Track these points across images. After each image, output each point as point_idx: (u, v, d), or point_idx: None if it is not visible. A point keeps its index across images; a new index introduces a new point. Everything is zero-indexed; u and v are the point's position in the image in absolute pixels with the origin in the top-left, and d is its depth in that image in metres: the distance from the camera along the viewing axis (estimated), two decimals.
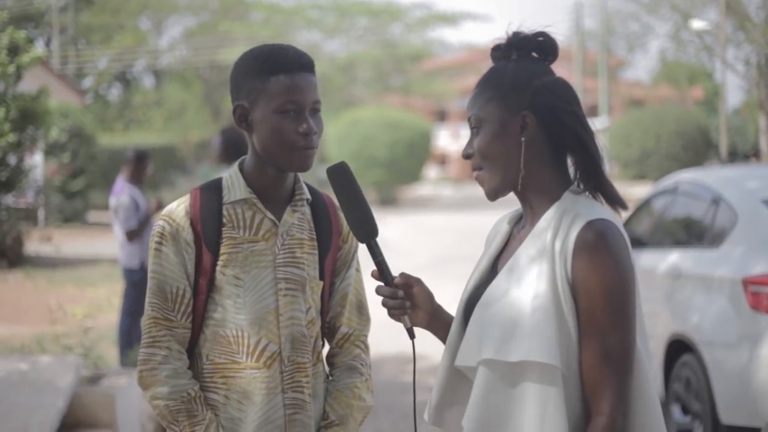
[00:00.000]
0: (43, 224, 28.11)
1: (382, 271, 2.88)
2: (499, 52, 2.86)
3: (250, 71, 3.03)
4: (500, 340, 2.63)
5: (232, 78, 3.08)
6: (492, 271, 2.88)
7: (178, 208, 3.07)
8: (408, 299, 2.89)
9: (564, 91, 2.76)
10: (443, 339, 2.93)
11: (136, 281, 10.34)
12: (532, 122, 2.74)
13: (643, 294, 8.05)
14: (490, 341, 2.65)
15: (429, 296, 2.92)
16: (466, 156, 2.83)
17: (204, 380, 3.06)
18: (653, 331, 7.94)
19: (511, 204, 2.91)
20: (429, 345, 2.96)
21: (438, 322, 2.95)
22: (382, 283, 2.89)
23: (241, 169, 3.12)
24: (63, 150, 28.98)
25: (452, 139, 69.04)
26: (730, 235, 7.33)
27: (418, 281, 2.90)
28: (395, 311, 2.87)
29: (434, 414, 2.92)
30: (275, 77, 2.98)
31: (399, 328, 2.94)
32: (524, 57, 2.82)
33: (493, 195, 2.82)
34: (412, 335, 2.90)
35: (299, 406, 3.07)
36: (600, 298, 2.60)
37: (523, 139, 2.74)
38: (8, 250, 20.19)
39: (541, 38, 2.82)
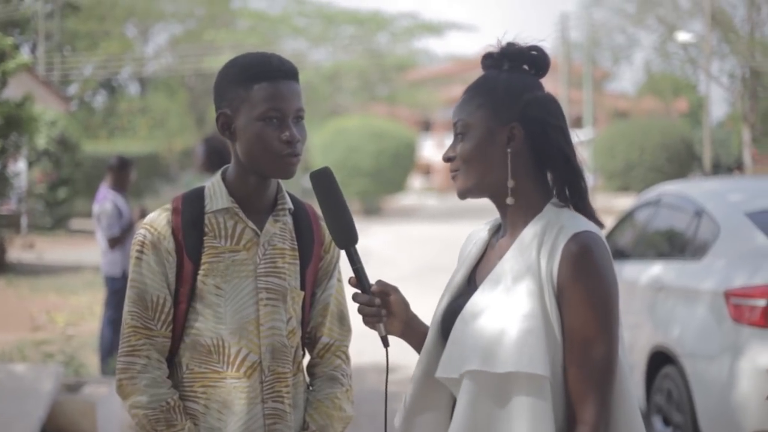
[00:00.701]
0: (26, 231, 28.02)
1: (359, 279, 2.88)
2: (490, 60, 2.87)
3: (233, 79, 3.02)
4: (486, 352, 2.64)
5: (216, 86, 3.08)
6: (469, 282, 2.88)
7: (159, 216, 3.05)
8: (384, 307, 2.89)
9: (553, 107, 2.78)
10: (417, 348, 2.95)
11: (117, 289, 10.31)
12: (519, 134, 2.76)
13: (626, 306, 8.08)
14: (475, 353, 2.65)
15: (405, 305, 2.92)
16: (447, 159, 2.84)
17: (184, 389, 3.04)
18: (635, 343, 7.96)
19: (492, 213, 2.92)
20: (410, 355, 2.95)
21: (412, 331, 2.95)
22: (359, 291, 2.89)
23: (223, 178, 3.10)
24: (48, 157, 28.89)
25: (437, 150, 69.07)
26: (712, 247, 7.34)
27: (395, 289, 2.91)
28: (371, 319, 2.87)
29: (405, 421, 2.93)
30: (258, 85, 2.98)
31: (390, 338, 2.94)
32: (516, 69, 2.84)
33: (464, 194, 2.85)
34: (386, 343, 2.91)
35: (279, 416, 3.06)
36: (585, 310, 2.62)
37: (509, 150, 2.76)
38: None
39: (534, 52, 2.84)
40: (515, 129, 2.76)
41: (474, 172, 2.79)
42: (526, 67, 2.84)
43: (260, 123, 2.97)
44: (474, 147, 2.78)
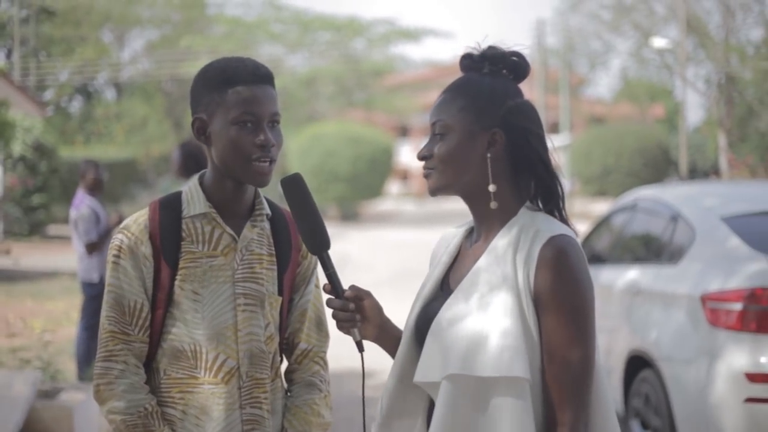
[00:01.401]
0: (2, 237, 27.90)
1: (333, 284, 2.87)
2: (469, 61, 2.88)
3: (208, 83, 3.01)
4: (466, 356, 2.65)
5: (192, 91, 3.07)
6: (442, 287, 2.89)
7: (136, 221, 3.04)
8: (358, 312, 2.89)
9: (534, 115, 2.81)
10: (392, 352, 2.96)
11: (94, 295, 10.28)
12: (501, 140, 2.78)
13: (603, 310, 8.10)
14: (455, 357, 2.66)
15: (378, 309, 2.93)
16: (422, 158, 2.84)
17: (161, 395, 3.03)
18: (613, 347, 7.98)
19: (470, 218, 2.92)
20: (387, 360, 2.95)
21: (387, 335, 2.96)
22: (332, 296, 2.89)
23: (201, 183, 3.09)
24: (24, 163, 28.76)
25: (414, 155, 69.04)
26: (688, 251, 7.37)
27: (368, 294, 2.91)
28: (345, 324, 2.87)
29: (382, 426, 2.94)
30: (233, 89, 2.97)
31: (367, 342, 2.94)
32: (495, 73, 2.85)
33: (436, 192, 2.86)
34: (361, 348, 2.91)
35: (257, 422, 3.05)
36: (563, 314, 2.65)
37: (489, 154, 2.77)
38: None
39: (515, 58, 2.86)
40: (497, 135, 2.77)
41: (451, 173, 2.80)
42: (505, 71, 2.85)
43: (235, 127, 2.96)
44: (453, 149, 2.79)
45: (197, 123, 3.04)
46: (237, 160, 2.97)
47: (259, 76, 3.01)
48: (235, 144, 2.96)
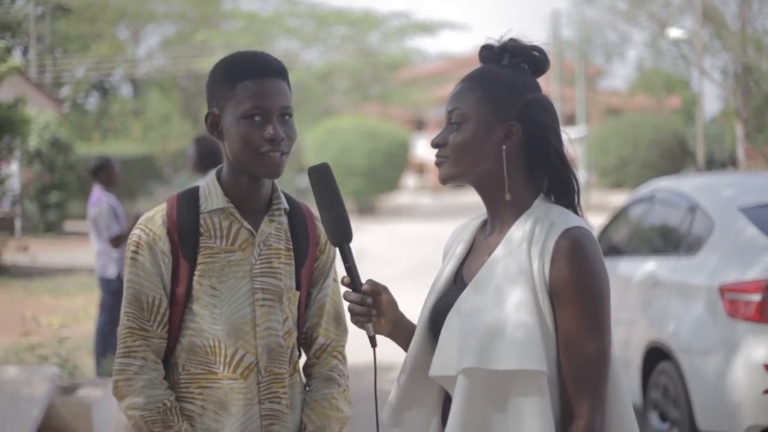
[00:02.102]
0: (20, 234, 27.98)
1: (351, 277, 2.86)
2: (489, 52, 2.87)
3: (219, 78, 3.01)
4: (482, 349, 2.64)
5: (206, 86, 3.07)
6: (456, 280, 2.88)
7: (154, 216, 3.04)
8: (374, 307, 2.88)
9: (552, 109, 2.81)
10: (405, 347, 2.95)
11: (112, 291, 10.29)
12: (517, 133, 2.77)
13: (621, 302, 8.08)
14: (470, 350, 2.65)
15: (394, 305, 2.92)
16: (436, 145, 2.83)
17: (180, 391, 3.03)
18: (631, 339, 7.95)
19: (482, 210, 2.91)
20: (403, 354, 2.95)
21: (400, 331, 2.95)
22: (350, 289, 2.88)
23: (218, 178, 3.09)
24: (41, 160, 28.82)
25: (430, 148, 68.90)
26: (706, 242, 7.34)
27: (385, 289, 2.90)
28: (360, 318, 2.86)
29: (393, 415, 2.94)
30: (242, 83, 2.96)
31: (378, 338, 2.93)
32: (515, 65, 2.84)
33: (448, 180, 2.85)
34: (374, 343, 2.90)
35: (276, 416, 3.04)
36: (578, 307, 2.64)
37: (504, 147, 2.76)
38: None
39: (535, 52, 2.85)
40: (514, 127, 2.77)
41: (464, 163, 2.79)
42: (524, 65, 2.85)
43: (244, 121, 2.95)
44: (469, 139, 2.78)
45: (210, 118, 3.03)
46: (246, 153, 2.96)
47: (269, 69, 2.99)
48: (244, 138, 2.95)
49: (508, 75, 2.81)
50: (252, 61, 2.99)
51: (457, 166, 2.80)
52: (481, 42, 2.89)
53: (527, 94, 2.79)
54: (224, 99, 2.98)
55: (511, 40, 2.85)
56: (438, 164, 2.84)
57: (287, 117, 3.01)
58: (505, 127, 2.77)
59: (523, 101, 2.78)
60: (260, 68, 2.98)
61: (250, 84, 2.96)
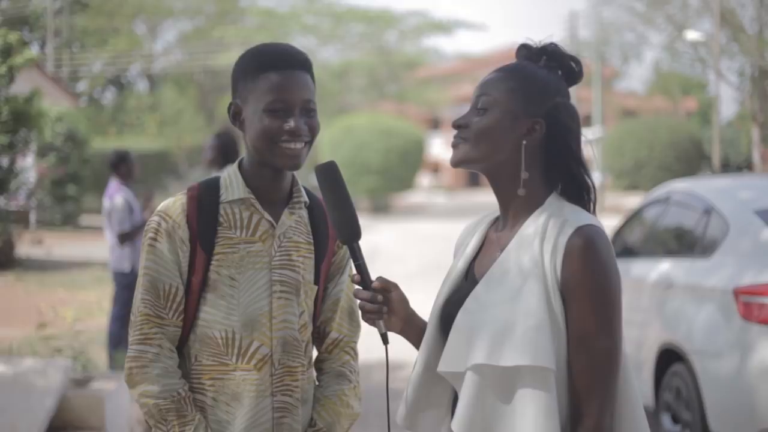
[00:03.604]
0: (35, 227, 28.05)
1: (362, 275, 2.86)
2: (526, 51, 2.88)
3: (244, 69, 3.01)
4: (491, 346, 2.63)
5: (231, 76, 3.07)
6: (467, 276, 2.88)
7: (174, 204, 3.03)
8: (385, 304, 2.88)
9: (578, 119, 2.81)
10: (416, 345, 2.95)
11: (126, 285, 10.31)
12: (540, 130, 2.77)
13: (634, 303, 8.06)
14: (479, 347, 2.65)
15: (405, 302, 2.91)
16: (458, 126, 2.82)
17: (191, 381, 3.02)
18: (644, 341, 7.94)
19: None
20: (415, 352, 2.95)
21: (412, 327, 2.94)
22: (360, 287, 2.88)
23: (239, 169, 3.09)
24: (56, 153, 28.87)
25: (446, 148, 68.99)
26: (721, 245, 7.33)
27: (395, 286, 2.90)
28: (371, 315, 2.86)
29: (408, 417, 2.94)
30: (265, 75, 2.95)
31: (390, 336, 2.93)
32: (551, 69, 2.84)
33: (460, 164, 2.85)
34: (385, 341, 2.90)
35: (288, 409, 3.04)
36: (590, 304, 2.63)
37: (524, 142, 2.76)
38: None
39: (573, 62, 2.86)
40: (538, 124, 2.77)
41: (483, 149, 2.78)
42: (560, 72, 2.85)
43: (266, 113, 2.94)
44: (493, 125, 2.77)
45: (233, 108, 3.03)
46: (266, 144, 2.95)
47: (293, 62, 2.99)
48: (265, 130, 2.94)
49: (544, 74, 2.82)
50: (276, 54, 2.99)
51: (475, 150, 2.79)
52: (523, 41, 2.90)
53: (558, 97, 2.80)
54: (247, 90, 2.98)
55: (551, 44, 2.87)
56: (455, 145, 2.83)
57: (310, 110, 3.00)
58: (531, 122, 2.77)
59: (553, 102, 2.78)
60: (284, 61, 2.98)
61: (273, 76, 2.95)
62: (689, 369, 7.15)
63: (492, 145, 2.77)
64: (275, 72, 2.96)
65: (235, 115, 3.03)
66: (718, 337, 6.89)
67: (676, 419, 7.42)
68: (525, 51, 2.89)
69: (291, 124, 2.94)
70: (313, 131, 3.00)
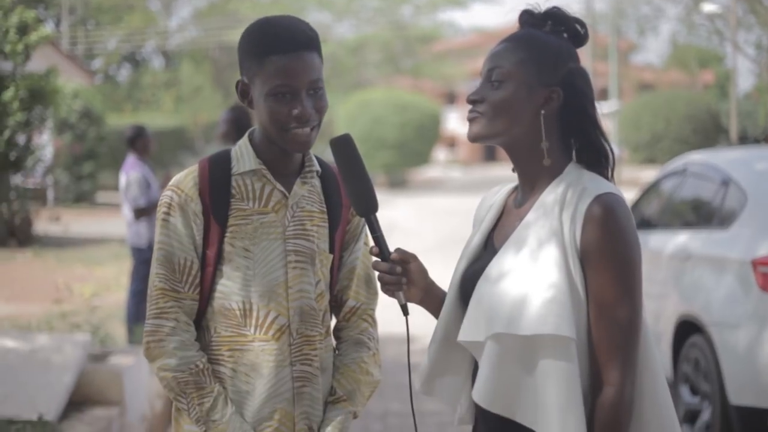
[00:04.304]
0: (52, 204, 28.13)
1: (380, 247, 2.86)
2: (530, 17, 2.85)
3: (247, 49, 2.97)
4: (511, 314, 2.63)
5: (238, 53, 3.04)
6: (486, 246, 2.87)
7: (186, 178, 3.01)
8: (404, 275, 2.87)
9: (590, 81, 2.79)
10: (435, 314, 2.95)
11: (143, 260, 10.34)
12: (558, 99, 2.75)
13: (652, 275, 8.04)
14: (499, 316, 2.65)
15: (424, 273, 2.91)
16: (472, 101, 2.80)
17: (211, 353, 3.02)
18: (662, 313, 7.93)
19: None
20: (432, 325, 2.94)
21: (431, 298, 2.94)
22: (379, 259, 2.87)
23: (250, 141, 3.08)
24: (72, 130, 28.93)
25: (462, 122, 68.81)
26: (739, 216, 7.31)
27: (414, 257, 2.89)
28: (391, 287, 2.86)
29: (426, 383, 2.94)
30: (268, 59, 2.91)
31: (411, 307, 2.93)
32: (557, 33, 2.81)
33: (477, 139, 2.82)
34: (405, 312, 2.90)
35: (307, 378, 3.04)
36: (610, 271, 2.62)
37: (543, 112, 2.74)
38: (17, 229, 20.19)
39: (578, 25, 2.83)
40: (555, 93, 2.75)
41: (500, 123, 2.76)
42: (566, 35, 2.83)
43: (271, 98, 2.92)
44: (509, 98, 2.75)
45: (240, 86, 3.01)
46: (274, 130, 2.94)
47: (298, 43, 2.93)
48: (271, 115, 2.92)
49: (554, 41, 2.79)
50: (280, 35, 2.92)
51: (492, 124, 2.77)
52: (524, 7, 2.87)
53: (571, 63, 2.77)
54: (252, 72, 2.95)
55: (554, 7, 2.83)
56: (471, 120, 2.81)
57: (317, 89, 2.96)
58: (547, 92, 2.75)
59: (566, 69, 2.76)
60: (288, 42, 2.92)
61: (277, 60, 2.90)
62: (707, 340, 7.14)
63: (510, 119, 2.75)
64: (280, 55, 2.90)
65: (243, 93, 3.01)
66: (736, 308, 6.88)
67: (694, 391, 7.41)
68: (528, 17, 2.85)
69: (298, 110, 2.91)
70: (321, 112, 2.97)
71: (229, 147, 3.17)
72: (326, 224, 3.09)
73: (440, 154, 66.09)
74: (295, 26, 2.96)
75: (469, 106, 2.82)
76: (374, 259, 2.89)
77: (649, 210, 9.25)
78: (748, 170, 7.70)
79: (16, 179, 20.13)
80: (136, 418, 7.52)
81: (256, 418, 3.01)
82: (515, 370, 2.66)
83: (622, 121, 45.39)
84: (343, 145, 2.89)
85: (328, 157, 3.00)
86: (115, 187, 15.17)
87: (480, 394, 2.69)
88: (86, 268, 17.14)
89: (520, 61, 2.76)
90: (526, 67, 2.75)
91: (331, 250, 3.11)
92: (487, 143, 2.84)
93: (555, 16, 2.82)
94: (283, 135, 2.94)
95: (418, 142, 44.44)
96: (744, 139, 39.92)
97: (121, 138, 11.45)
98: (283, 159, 3.04)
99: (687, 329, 7.56)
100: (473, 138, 2.82)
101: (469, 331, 2.74)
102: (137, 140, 10.70)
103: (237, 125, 8.26)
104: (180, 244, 2.98)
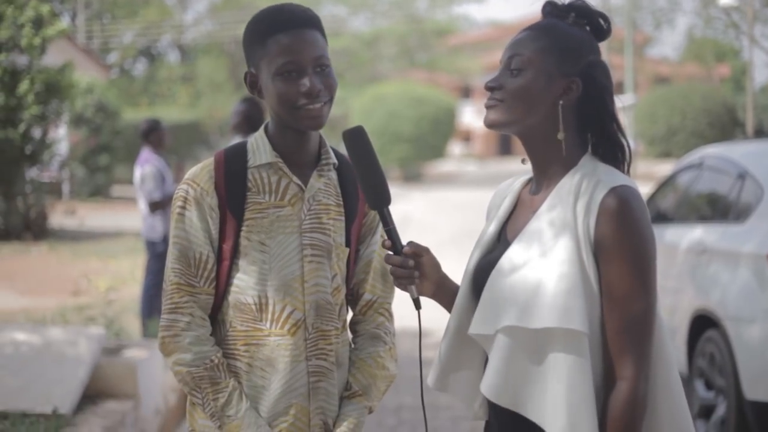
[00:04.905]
0: (68, 198, 28.19)
1: (392, 240, 2.85)
2: (553, 8, 2.83)
3: (250, 36, 2.98)
4: (523, 307, 2.62)
5: (243, 47, 3.04)
6: (500, 238, 2.86)
7: (201, 171, 3.00)
8: (417, 269, 2.86)
9: (610, 74, 2.78)
10: (448, 308, 2.94)
11: (158, 254, 10.35)
12: (577, 90, 2.74)
13: (668, 269, 8.02)
14: (510, 309, 2.63)
15: (437, 266, 2.90)
16: (491, 88, 2.79)
17: (227, 347, 3.01)
18: (677, 307, 7.91)
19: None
20: (445, 319, 2.93)
21: (444, 291, 2.93)
22: (391, 252, 2.86)
23: (266, 133, 3.07)
24: (87, 124, 28.97)
25: (477, 116, 68.84)
26: (755, 210, 7.27)
27: (427, 250, 2.88)
28: (403, 280, 2.84)
29: (438, 379, 2.93)
30: (272, 38, 2.92)
31: (424, 301, 2.92)
32: (579, 26, 2.80)
33: (495, 126, 2.81)
34: (418, 306, 2.89)
35: (323, 373, 3.03)
36: (624, 264, 2.60)
37: (561, 102, 2.73)
38: (32, 223, 20.23)
39: (601, 19, 2.82)
40: (575, 84, 2.74)
41: (518, 111, 2.75)
42: (588, 28, 2.82)
43: (279, 77, 2.91)
44: (528, 86, 2.74)
45: (249, 77, 3.01)
46: (285, 109, 2.93)
47: (298, 21, 2.93)
48: (280, 95, 2.91)
49: (576, 32, 2.78)
50: (280, 15, 2.94)
51: (510, 112, 2.75)
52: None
53: (591, 55, 2.76)
54: (258, 57, 2.95)
55: (578, 0, 2.82)
56: (489, 107, 2.79)
57: (324, 66, 2.95)
58: (567, 82, 2.74)
59: (587, 60, 2.75)
60: (289, 21, 2.93)
61: (280, 38, 2.91)
62: (723, 335, 7.11)
63: (528, 107, 2.74)
64: (282, 33, 2.91)
65: (252, 83, 3.01)
66: (752, 302, 6.85)
67: (709, 385, 7.39)
68: (551, 8, 2.84)
69: (306, 84, 2.90)
70: (331, 89, 2.96)
71: (240, 139, 3.16)
72: (342, 217, 3.08)
73: (455, 148, 66.03)
74: (294, 7, 2.97)
75: (488, 94, 2.81)
76: (386, 252, 2.88)
77: (665, 204, 9.22)
78: (764, 164, 7.67)
79: (32, 173, 20.17)
80: (150, 412, 7.54)
81: (272, 413, 3.01)
82: (526, 363, 2.65)
83: (637, 114, 45.25)
84: (356, 137, 2.88)
85: (342, 149, 2.99)
86: (131, 181, 15.14)
87: (488, 386, 2.68)
88: (101, 262, 17.17)
89: (540, 49, 2.75)
90: (547, 55, 2.74)
91: (348, 244, 3.09)
92: (504, 131, 2.82)
93: (578, 8, 2.81)
94: (295, 113, 2.93)
95: (434, 136, 44.40)
96: (760, 133, 39.80)
97: (137, 132, 11.45)
98: (299, 149, 3.03)
99: (702, 323, 7.54)
100: (490, 125, 2.81)
101: (480, 324, 2.73)
102: (152, 134, 10.71)
103: (249, 117, 8.27)
104: (196, 238, 2.97)
